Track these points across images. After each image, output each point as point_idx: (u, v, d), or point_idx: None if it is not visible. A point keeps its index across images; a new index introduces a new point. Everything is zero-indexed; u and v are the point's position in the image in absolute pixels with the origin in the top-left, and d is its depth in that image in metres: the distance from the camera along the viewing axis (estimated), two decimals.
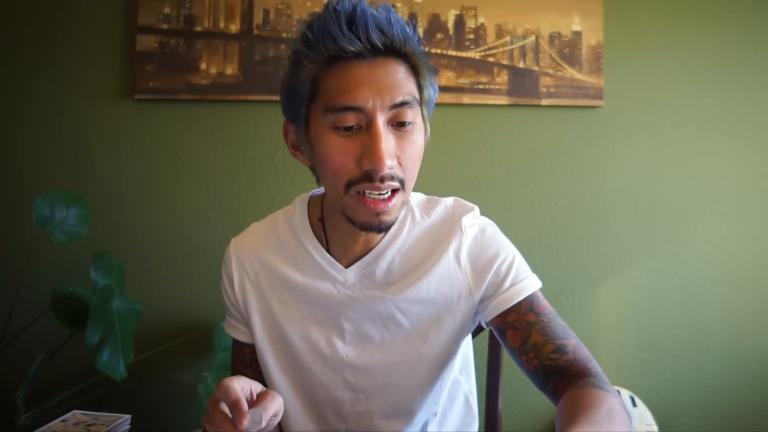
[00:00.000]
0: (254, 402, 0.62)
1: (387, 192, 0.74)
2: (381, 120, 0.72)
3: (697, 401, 1.78)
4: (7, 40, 1.79)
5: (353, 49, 0.71)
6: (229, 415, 0.59)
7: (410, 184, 0.77)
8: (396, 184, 0.74)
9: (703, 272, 1.79)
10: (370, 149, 0.71)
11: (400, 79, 0.73)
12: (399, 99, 0.72)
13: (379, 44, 0.72)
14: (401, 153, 0.74)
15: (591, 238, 1.80)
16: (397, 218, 0.78)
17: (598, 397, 0.67)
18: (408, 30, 0.75)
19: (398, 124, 0.73)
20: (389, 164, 0.71)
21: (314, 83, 0.74)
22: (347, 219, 0.78)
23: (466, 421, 0.98)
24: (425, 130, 0.79)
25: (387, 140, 0.72)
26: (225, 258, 0.94)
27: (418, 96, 0.76)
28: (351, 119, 0.72)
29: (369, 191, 0.73)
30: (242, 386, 0.61)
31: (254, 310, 0.90)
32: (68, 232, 1.54)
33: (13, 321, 1.50)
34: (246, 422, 0.56)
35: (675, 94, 1.80)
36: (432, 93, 0.80)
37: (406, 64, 0.75)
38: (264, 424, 0.59)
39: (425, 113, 0.79)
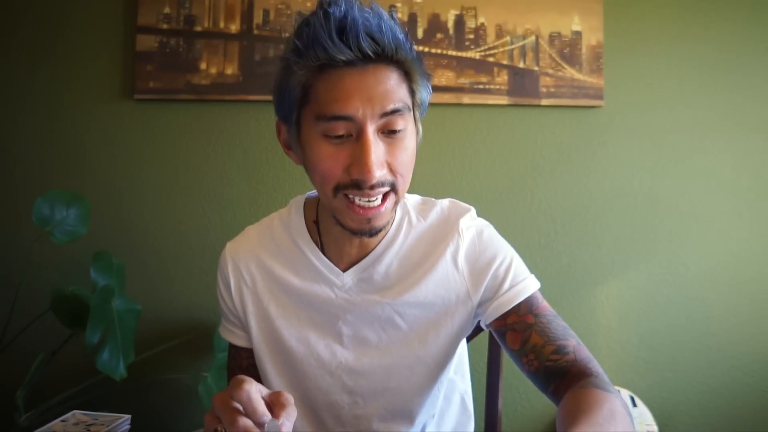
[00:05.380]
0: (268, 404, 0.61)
1: (377, 199, 0.73)
2: (371, 129, 0.71)
3: (697, 401, 1.78)
4: (6, 40, 1.79)
5: (343, 57, 0.70)
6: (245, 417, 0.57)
7: (403, 186, 0.76)
8: (386, 189, 0.74)
9: (703, 272, 1.79)
10: (359, 160, 0.71)
11: (392, 87, 0.72)
12: (390, 107, 0.71)
13: (369, 52, 0.70)
14: (392, 159, 0.73)
15: (591, 238, 1.80)
16: (389, 221, 0.78)
17: (600, 397, 0.67)
18: (400, 36, 0.73)
19: (389, 132, 0.73)
20: (378, 175, 0.71)
21: (305, 88, 0.73)
22: (337, 223, 0.78)
23: (462, 421, 0.98)
24: (417, 132, 0.79)
25: (376, 149, 0.71)
26: (220, 262, 0.93)
27: (410, 102, 0.75)
28: (341, 128, 0.71)
29: (358, 198, 0.73)
30: (258, 390, 0.59)
31: (251, 314, 0.90)
32: (68, 232, 1.54)
33: (13, 321, 1.50)
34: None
35: (675, 94, 1.80)
36: (425, 96, 0.79)
37: (398, 71, 0.74)
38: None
39: (417, 115, 0.78)
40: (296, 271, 0.87)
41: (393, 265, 0.85)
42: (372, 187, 0.72)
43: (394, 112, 0.72)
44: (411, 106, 0.76)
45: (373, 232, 0.76)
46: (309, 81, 0.73)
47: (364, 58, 0.70)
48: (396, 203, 0.77)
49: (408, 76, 0.75)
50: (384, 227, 0.77)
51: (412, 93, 0.76)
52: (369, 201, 0.73)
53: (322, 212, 0.86)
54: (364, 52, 0.70)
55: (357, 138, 0.72)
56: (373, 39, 0.70)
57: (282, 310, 0.88)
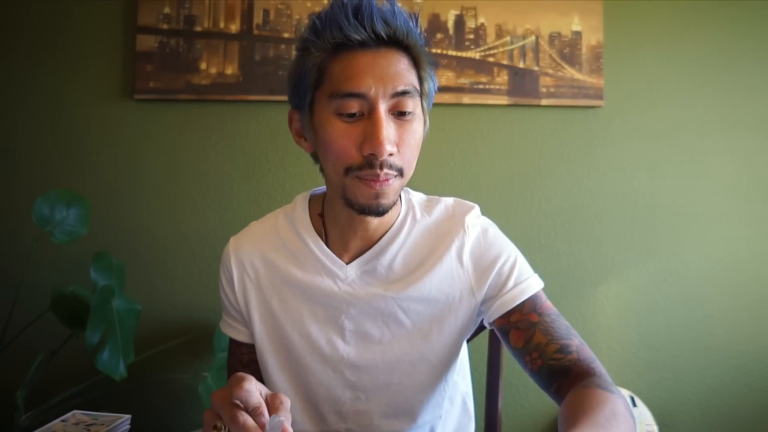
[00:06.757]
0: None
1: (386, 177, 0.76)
2: (382, 107, 0.74)
3: (697, 401, 1.78)
4: (6, 40, 1.79)
5: (358, 37, 0.74)
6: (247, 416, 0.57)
7: (408, 171, 0.79)
8: (394, 173, 0.76)
9: (703, 272, 1.79)
10: (371, 135, 0.73)
11: (402, 70, 0.76)
12: (400, 88, 0.75)
13: (382, 34, 0.75)
14: (400, 141, 0.76)
15: (591, 238, 1.80)
16: (394, 203, 0.80)
17: (602, 398, 0.67)
18: (411, 23, 0.78)
19: (399, 113, 0.76)
20: (389, 149, 0.74)
21: (320, 70, 0.77)
22: (346, 203, 0.79)
23: (463, 422, 0.98)
24: (425, 122, 0.82)
25: (388, 127, 0.74)
26: (223, 257, 0.94)
27: (418, 87, 0.79)
28: (354, 105, 0.74)
29: (368, 178, 0.75)
30: (258, 388, 0.60)
31: (254, 308, 0.90)
32: (68, 232, 1.54)
33: (13, 321, 1.50)
34: (267, 429, 0.56)
35: (675, 94, 1.80)
36: (432, 86, 0.82)
37: (407, 56, 0.78)
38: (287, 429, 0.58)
39: (425, 105, 0.81)
40: (299, 263, 0.88)
41: (397, 258, 0.86)
42: (381, 166, 0.74)
43: (405, 93, 0.75)
44: (419, 92, 0.79)
45: (380, 210, 0.78)
46: (324, 63, 0.77)
47: (377, 39, 0.75)
48: (401, 186, 0.80)
49: (416, 63, 0.79)
50: (390, 207, 0.79)
51: (421, 81, 0.80)
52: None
53: (327, 205, 0.87)
54: (378, 33, 0.75)
55: (369, 116, 0.75)
56: (386, 22, 0.75)
57: (284, 304, 0.88)
